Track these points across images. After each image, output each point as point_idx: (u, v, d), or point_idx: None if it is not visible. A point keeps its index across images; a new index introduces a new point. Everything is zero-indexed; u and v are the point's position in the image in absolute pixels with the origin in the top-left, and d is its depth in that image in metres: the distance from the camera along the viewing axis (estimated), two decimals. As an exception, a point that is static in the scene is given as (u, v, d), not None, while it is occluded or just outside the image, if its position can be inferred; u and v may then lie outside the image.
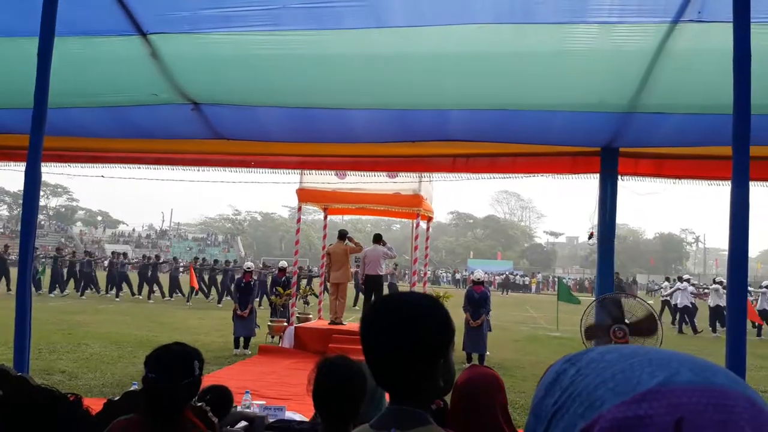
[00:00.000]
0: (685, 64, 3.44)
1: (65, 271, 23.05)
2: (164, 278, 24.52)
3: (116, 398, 2.67)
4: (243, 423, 3.22)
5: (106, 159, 6.08)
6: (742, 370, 3.10)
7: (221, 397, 2.92)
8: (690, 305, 18.24)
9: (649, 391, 0.50)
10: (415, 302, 1.31)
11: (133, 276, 24.26)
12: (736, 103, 2.94)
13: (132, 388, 3.13)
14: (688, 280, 19.60)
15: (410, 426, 1.24)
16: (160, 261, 25.35)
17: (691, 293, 18.66)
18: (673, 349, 0.61)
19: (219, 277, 23.43)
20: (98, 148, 5.89)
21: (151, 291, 22.67)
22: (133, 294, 23.01)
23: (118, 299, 21.83)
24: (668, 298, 19.73)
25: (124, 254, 25.26)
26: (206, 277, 23.70)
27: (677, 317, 18.46)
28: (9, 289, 20.19)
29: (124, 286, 23.26)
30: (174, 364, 1.94)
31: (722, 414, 0.48)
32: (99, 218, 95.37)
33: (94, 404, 3.21)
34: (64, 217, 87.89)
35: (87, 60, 3.89)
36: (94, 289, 23.00)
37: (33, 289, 18.89)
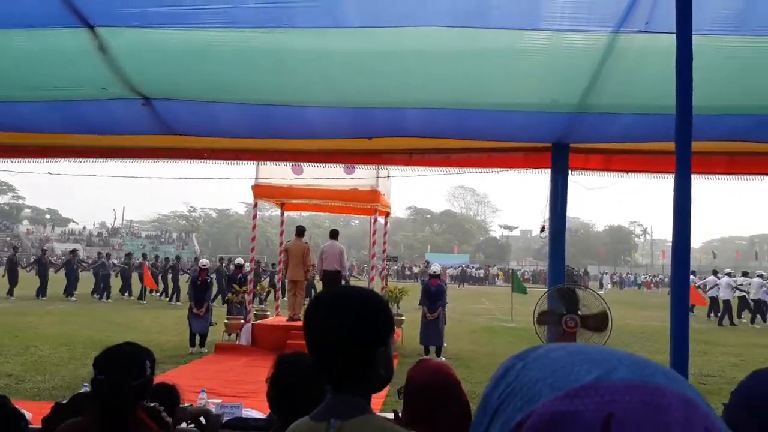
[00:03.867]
0: (633, 69, 3.56)
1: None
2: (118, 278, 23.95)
3: (65, 401, 2.60)
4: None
5: (52, 153, 5.86)
6: (685, 356, 3.24)
7: (166, 394, 2.87)
8: (730, 299, 18.73)
9: (582, 387, 0.51)
10: (356, 294, 1.40)
11: (89, 276, 23.58)
12: (679, 105, 3.07)
13: (82, 390, 3.06)
14: (729, 274, 20.03)
15: (349, 415, 1.28)
16: (113, 260, 24.63)
17: (731, 287, 19.07)
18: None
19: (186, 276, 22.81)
20: (44, 143, 5.68)
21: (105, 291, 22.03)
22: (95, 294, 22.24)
23: (73, 299, 21.16)
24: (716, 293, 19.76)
25: (74, 251, 24.42)
26: (169, 276, 23.18)
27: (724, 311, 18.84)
28: None
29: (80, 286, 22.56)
30: (124, 365, 1.90)
31: (653, 412, 0.48)
32: (47, 216, 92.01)
33: (43, 408, 3.12)
34: (9, 216, 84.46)
35: (32, 53, 3.76)
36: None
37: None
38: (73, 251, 24.42)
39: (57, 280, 22.71)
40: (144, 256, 25.31)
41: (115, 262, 28.97)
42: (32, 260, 24.01)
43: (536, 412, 0.51)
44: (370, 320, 1.34)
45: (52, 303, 19.77)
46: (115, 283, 23.48)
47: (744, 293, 19.25)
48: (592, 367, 0.52)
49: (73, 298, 21.23)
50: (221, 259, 25.60)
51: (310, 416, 1.34)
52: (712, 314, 19.78)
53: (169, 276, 22.96)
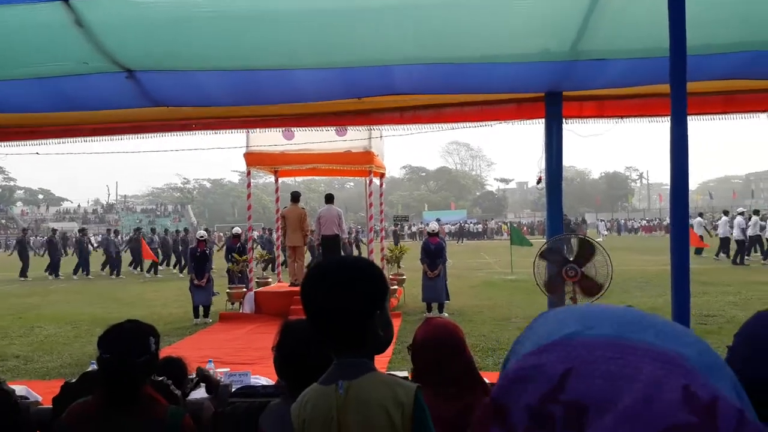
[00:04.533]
0: (624, 11, 3.48)
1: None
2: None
3: (73, 381, 2.62)
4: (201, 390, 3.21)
5: (39, 134, 5.78)
6: (686, 297, 3.27)
7: (173, 368, 2.89)
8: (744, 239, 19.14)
9: (552, 343, 0.52)
10: (352, 261, 1.49)
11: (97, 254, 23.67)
12: (672, 46, 3.01)
13: (90, 369, 3.07)
14: (742, 213, 20.36)
15: (356, 375, 1.35)
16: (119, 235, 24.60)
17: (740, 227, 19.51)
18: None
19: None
20: (30, 123, 5.59)
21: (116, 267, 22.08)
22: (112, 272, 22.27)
23: (90, 276, 21.20)
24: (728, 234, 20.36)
25: (83, 230, 24.41)
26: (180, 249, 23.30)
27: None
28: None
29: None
30: (128, 343, 1.90)
31: (614, 367, 0.48)
32: (40, 196, 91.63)
33: (53, 387, 3.15)
34: (2, 198, 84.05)
35: (7, 29, 3.65)
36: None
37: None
38: (83, 230, 24.44)
39: (66, 259, 22.86)
40: (138, 230, 25.35)
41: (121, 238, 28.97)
42: (43, 242, 24.11)
43: (511, 365, 0.54)
44: (364, 288, 1.39)
45: (53, 282, 19.86)
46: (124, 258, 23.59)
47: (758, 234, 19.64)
48: (574, 324, 0.53)
49: (90, 276, 21.37)
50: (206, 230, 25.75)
51: (319, 381, 1.40)
52: (721, 253, 20.31)
53: (181, 248, 23.06)
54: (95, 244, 25.35)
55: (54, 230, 25.86)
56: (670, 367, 0.48)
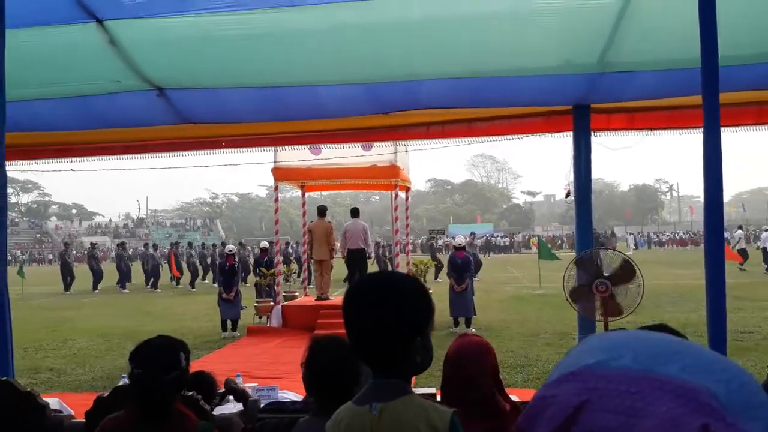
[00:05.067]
0: (652, 22, 3.44)
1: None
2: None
3: (105, 395, 2.65)
4: (233, 403, 3.23)
5: (74, 152, 5.92)
6: (722, 312, 3.18)
7: (202, 382, 2.91)
8: None
9: (572, 373, 0.51)
10: (397, 281, 1.40)
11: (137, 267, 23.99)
12: (704, 56, 2.96)
13: (121, 383, 3.11)
14: None
15: (391, 397, 1.31)
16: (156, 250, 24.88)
17: None
18: None
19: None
20: (64, 141, 5.73)
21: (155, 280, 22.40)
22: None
23: (126, 291, 21.61)
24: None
25: (122, 244, 24.77)
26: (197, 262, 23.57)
27: None
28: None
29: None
30: (159, 358, 1.92)
31: (630, 402, 0.46)
32: (74, 211, 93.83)
33: (85, 400, 3.20)
34: (38, 213, 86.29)
35: (44, 51, 3.76)
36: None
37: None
38: (121, 244, 24.58)
39: (107, 272, 23.25)
40: (175, 245, 25.66)
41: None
42: (86, 256, 24.57)
43: (537, 392, 0.54)
44: (410, 310, 1.34)
45: (86, 296, 20.23)
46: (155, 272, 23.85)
47: None
48: (600, 353, 0.52)
49: (126, 290, 21.66)
50: (240, 244, 25.92)
51: (353, 401, 1.38)
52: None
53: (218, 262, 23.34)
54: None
55: (93, 244, 26.06)
56: (693, 405, 0.46)
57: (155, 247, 25.48)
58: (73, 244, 64.03)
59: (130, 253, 24.05)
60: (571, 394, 0.49)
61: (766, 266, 20.54)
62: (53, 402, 4.48)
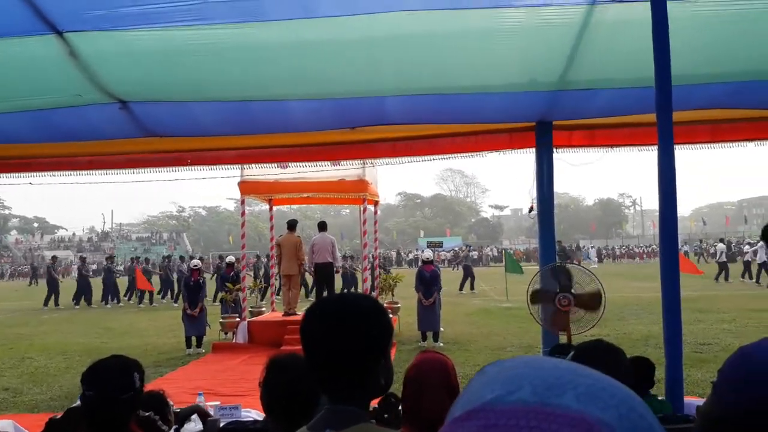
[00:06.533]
0: (610, 43, 3.54)
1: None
2: (122, 282, 23.80)
3: (58, 416, 2.58)
4: (195, 422, 3.17)
5: (35, 167, 5.79)
6: (678, 325, 3.26)
7: (156, 403, 2.84)
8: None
9: (473, 410, 0.51)
10: (356, 304, 1.33)
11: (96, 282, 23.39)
12: (658, 76, 3.06)
13: (75, 404, 3.02)
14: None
15: (345, 424, 1.25)
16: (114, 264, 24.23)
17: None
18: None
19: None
20: (24, 155, 5.60)
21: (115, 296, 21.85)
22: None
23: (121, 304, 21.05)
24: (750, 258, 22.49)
25: (110, 257, 24.06)
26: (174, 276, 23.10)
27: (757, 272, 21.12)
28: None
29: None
30: (112, 379, 1.87)
31: None
32: (35, 225, 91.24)
33: (42, 421, 3.09)
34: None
35: (1, 63, 3.68)
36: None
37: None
38: (110, 257, 23.81)
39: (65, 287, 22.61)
40: (136, 259, 25.10)
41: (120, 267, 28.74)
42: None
43: (442, 429, 0.53)
44: (372, 333, 1.29)
45: (45, 312, 19.65)
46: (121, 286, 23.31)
47: None
48: (496, 387, 0.52)
49: (121, 303, 21.17)
50: (221, 257, 25.44)
51: (307, 426, 1.31)
52: (746, 276, 22.10)
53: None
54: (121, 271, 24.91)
55: (54, 258, 25.30)
56: None
57: (148, 261, 24.80)
58: (32, 258, 62.24)
59: (95, 267, 23.36)
60: None
61: (751, 279, 21.43)
62: (6, 424, 4.34)
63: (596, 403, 0.49)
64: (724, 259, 22.60)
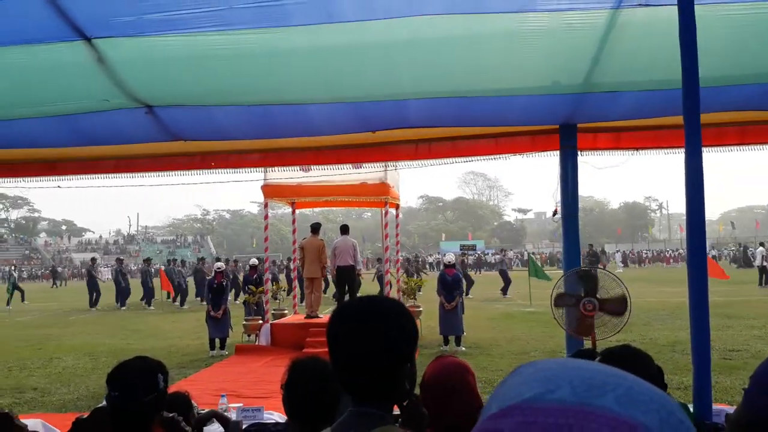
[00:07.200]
0: (636, 45, 3.49)
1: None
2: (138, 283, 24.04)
3: (84, 416, 2.61)
4: (215, 425, 3.20)
5: (62, 170, 5.91)
6: (706, 331, 3.19)
7: (179, 405, 2.87)
8: None
9: (511, 407, 0.51)
10: (383, 307, 1.33)
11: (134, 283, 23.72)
12: (685, 78, 3.01)
13: (102, 404, 3.07)
14: None
15: (368, 427, 1.25)
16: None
17: None
18: None
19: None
20: (52, 158, 5.72)
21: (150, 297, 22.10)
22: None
23: (152, 308, 21.28)
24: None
25: (147, 260, 24.25)
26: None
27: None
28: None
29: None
30: (136, 381, 1.90)
31: None
32: (63, 227, 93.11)
33: (70, 420, 3.14)
34: (26, 229, 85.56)
35: (31, 69, 3.76)
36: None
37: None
38: (147, 260, 23.96)
39: (80, 290, 22.89)
40: (173, 261, 25.33)
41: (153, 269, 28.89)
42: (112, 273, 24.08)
43: (476, 426, 0.53)
44: (390, 334, 1.28)
45: (72, 314, 20.00)
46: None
47: None
48: (537, 386, 0.52)
49: (152, 307, 21.31)
50: (236, 261, 25.59)
51: (331, 429, 1.32)
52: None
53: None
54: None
55: (93, 259, 25.45)
56: None
57: (189, 264, 24.87)
58: (61, 260, 63.44)
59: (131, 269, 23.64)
60: (510, 429, 0.49)
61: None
62: (35, 423, 4.42)
63: (637, 406, 0.49)
64: (766, 264, 22.11)
